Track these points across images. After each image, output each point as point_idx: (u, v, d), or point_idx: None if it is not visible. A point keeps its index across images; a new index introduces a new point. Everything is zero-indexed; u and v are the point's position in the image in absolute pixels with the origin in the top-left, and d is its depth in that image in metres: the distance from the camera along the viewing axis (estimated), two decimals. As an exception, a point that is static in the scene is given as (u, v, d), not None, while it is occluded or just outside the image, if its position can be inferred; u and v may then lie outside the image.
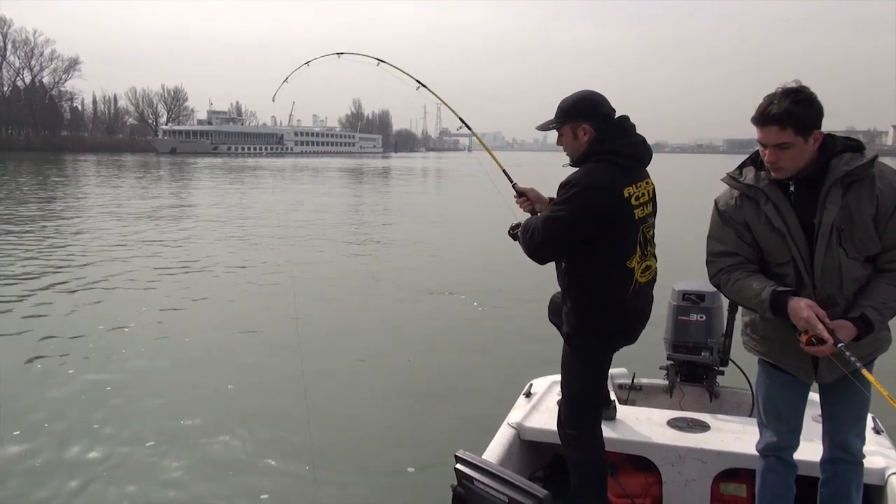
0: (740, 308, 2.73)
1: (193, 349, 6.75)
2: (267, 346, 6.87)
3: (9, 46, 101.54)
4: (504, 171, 3.30)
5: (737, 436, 3.12)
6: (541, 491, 2.10)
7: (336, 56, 4.00)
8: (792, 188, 2.33)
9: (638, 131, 2.79)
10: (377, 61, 3.83)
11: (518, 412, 3.49)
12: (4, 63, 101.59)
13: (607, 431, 3.08)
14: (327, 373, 6.20)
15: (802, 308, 2.20)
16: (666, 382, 3.80)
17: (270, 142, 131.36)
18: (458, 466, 2.32)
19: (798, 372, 2.48)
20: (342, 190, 33.81)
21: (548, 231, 2.65)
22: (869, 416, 2.86)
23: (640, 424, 3.26)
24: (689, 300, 3.65)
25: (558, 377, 3.79)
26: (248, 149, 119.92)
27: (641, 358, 3.70)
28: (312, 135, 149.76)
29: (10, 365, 6.16)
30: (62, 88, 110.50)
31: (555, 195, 2.74)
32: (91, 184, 33.66)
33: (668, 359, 3.78)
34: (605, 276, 2.69)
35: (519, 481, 2.16)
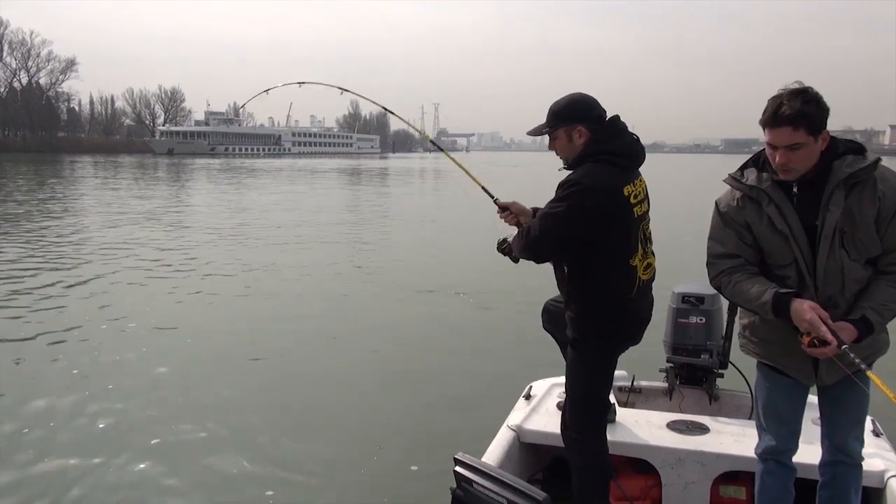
0: (739, 310, 2.73)
1: (194, 350, 6.73)
2: (267, 347, 6.87)
3: (5, 47, 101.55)
4: (483, 188, 3.30)
5: (736, 438, 3.11)
6: (540, 493, 2.10)
7: (297, 85, 3.99)
8: (795, 190, 2.33)
9: (637, 131, 2.79)
10: (340, 90, 3.85)
11: (517, 414, 3.49)
12: (1, 64, 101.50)
13: (607, 434, 3.07)
14: (327, 374, 6.20)
15: (805, 310, 2.20)
16: (665, 385, 3.80)
17: (268, 142, 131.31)
18: (458, 469, 2.32)
19: (798, 374, 2.48)
20: (340, 191, 33.77)
21: (545, 227, 2.65)
22: (868, 419, 2.87)
23: (639, 427, 3.26)
24: (689, 303, 3.65)
25: (558, 379, 3.81)
26: (246, 150, 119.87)
27: (641, 360, 3.69)
28: (310, 135, 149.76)
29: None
30: (59, 89, 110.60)
31: (548, 199, 2.73)
32: (88, 185, 33.59)
33: (667, 361, 3.78)
34: (609, 276, 2.69)
35: (518, 484, 2.16)
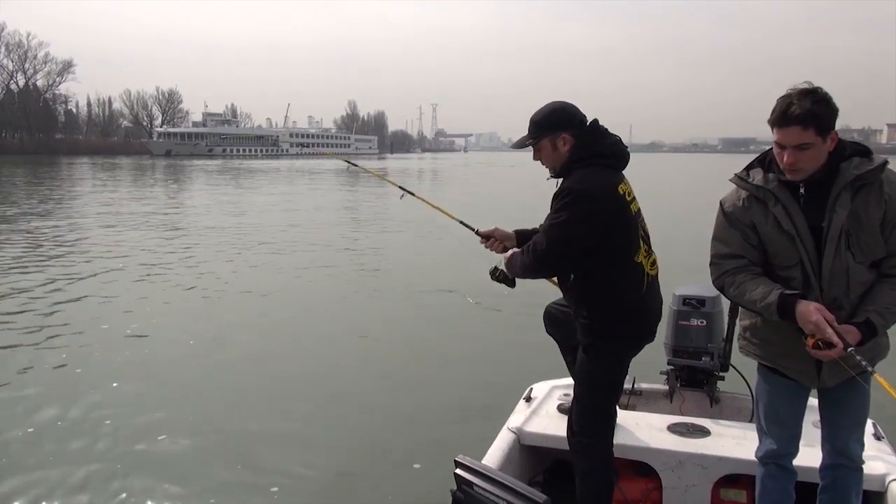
0: (740, 313, 2.72)
1: (194, 350, 6.72)
2: (266, 348, 6.86)
3: (2, 49, 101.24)
4: (461, 222, 3.35)
5: (737, 441, 3.11)
6: (540, 496, 2.09)
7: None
8: (802, 190, 2.33)
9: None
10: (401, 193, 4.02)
11: (518, 417, 3.48)
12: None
13: None
14: (326, 375, 6.20)
15: (812, 311, 2.20)
16: (666, 387, 3.79)
17: (266, 144, 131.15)
18: (458, 471, 2.32)
19: (800, 376, 2.47)
20: (340, 191, 33.76)
21: (551, 240, 2.64)
22: (869, 422, 2.86)
23: (640, 430, 3.26)
24: (690, 305, 3.65)
25: (558, 382, 3.81)
26: (244, 151, 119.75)
27: (641, 363, 3.66)
28: (308, 136, 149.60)
29: None
30: (56, 91, 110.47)
31: (547, 199, 2.73)
32: (85, 187, 33.55)
33: (668, 364, 3.77)
34: (618, 276, 2.69)
35: (518, 486, 2.16)
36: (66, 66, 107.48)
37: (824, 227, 2.29)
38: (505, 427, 3.41)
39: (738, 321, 2.73)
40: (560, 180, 2.73)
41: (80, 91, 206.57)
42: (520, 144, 2.84)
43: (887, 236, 2.28)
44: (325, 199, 27.62)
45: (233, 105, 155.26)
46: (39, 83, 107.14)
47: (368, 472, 4.34)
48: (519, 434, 3.34)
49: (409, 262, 12.43)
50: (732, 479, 3.06)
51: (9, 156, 79.42)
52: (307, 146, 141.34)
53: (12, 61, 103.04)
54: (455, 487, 2.33)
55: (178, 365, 6.37)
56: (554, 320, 3.14)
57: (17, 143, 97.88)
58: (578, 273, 2.74)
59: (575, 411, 2.88)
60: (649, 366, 3.89)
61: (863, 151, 2.32)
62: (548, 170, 2.80)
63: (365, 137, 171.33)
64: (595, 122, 2.77)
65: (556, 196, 2.65)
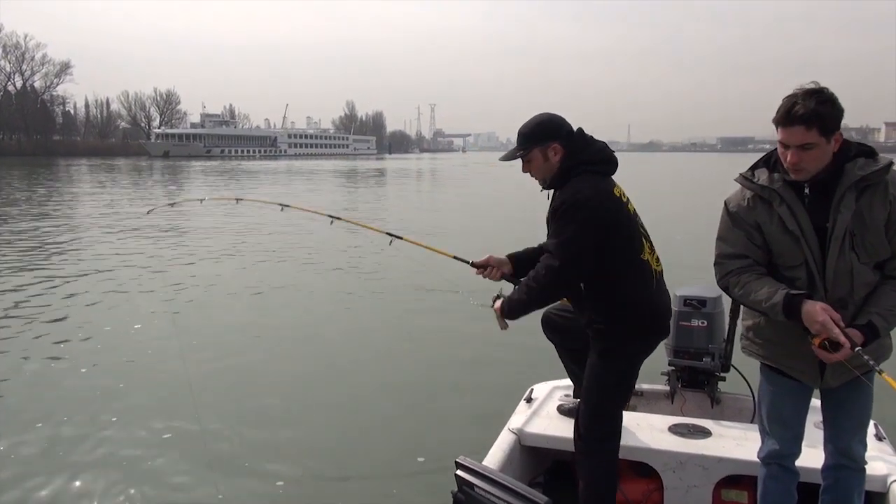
0: (742, 313, 2.72)
1: (193, 351, 6.70)
2: (267, 347, 6.85)
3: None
4: (454, 257, 3.40)
5: (738, 442, 3.10)
6: (541, 497, 2.09)
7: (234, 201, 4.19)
8: (807, 191, 2.33)
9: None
10: (281, 206, 3.98)
11: (519, 418, 3.48)
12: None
13: None
14: (326, 375, 6.19)
15: (818, 311, 2.19)
16: (667, 388, 3.79)
17: (264, 144, 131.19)
18: (459, 472, 2.31)
19: (803, 376, 2.47)
20: (340, 192, 33.76)
21: (562, 255, 2.63)
22: (871, 423, 2.85)
23: (641, 430, 3.25)
24: (691, 306, 3.64)
25: (559, 382, 3.81)
26: (242, 152, 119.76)
27: (643, 363, 3.69)
28: (306, 137, 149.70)
29: None
30: (54, 93, 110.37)
31: (545, 200, 2.77)
32: (83, 189, 33.52)
33: (669, 364, 3.77)
34: (628, 276, 2.70)
35: (519, 487, 2.15)
36: (64, 68, 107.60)
37: (829, 228, 2.29)
38: (506, 428, 3.41)
39: (740, 321, 2.72)
40: (552, 192, 2.77)
41: (79, 92, 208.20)
42: (510, 156, 2.86)
43: (892, 237, 2.28)
44: (325, 199, 27.59)
45: (231, 106, 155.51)
46: (37, 84, 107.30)
47: (369, 474, 4.33)
48: (520, 435, 3.34)
49: (409, 261, 12.41)
50: (734, 479, 3.05)
51: (6, 157, 79.32)
52: (305, 147, 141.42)
53: (9, 63, 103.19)
54: (456, 489, 2.33)
55: (179, 367, 6.35)
56: (553, 325, 3.14)
57: (14, 145, 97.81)
58: (588, 281, 2.74)
59: (583, 415, 2.86)
60: (650, 366, 3.86)
61: (868, 152, 2.31)
62: (538, 182, 2.83)
63: (363, 138, 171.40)
64: (580, 130, 2.80)
65: (554, 211, 2.67)
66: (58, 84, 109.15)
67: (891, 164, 2.28)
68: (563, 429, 3.28)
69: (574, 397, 3.52)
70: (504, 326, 2.98)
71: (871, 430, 2.95)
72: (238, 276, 10.92)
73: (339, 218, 3.85)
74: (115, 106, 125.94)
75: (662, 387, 3.82)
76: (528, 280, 2.78)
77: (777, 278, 2.38)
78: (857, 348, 2.16)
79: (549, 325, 3.17)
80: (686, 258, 7.81)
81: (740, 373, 3.61)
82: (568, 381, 3.52)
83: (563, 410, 3.50)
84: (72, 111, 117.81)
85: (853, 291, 2.31)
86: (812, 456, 2.66)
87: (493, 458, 3.14)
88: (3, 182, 36.79)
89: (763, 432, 2.64)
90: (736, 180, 2.51)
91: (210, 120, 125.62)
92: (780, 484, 2.60)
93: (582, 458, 2.88)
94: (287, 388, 5.83)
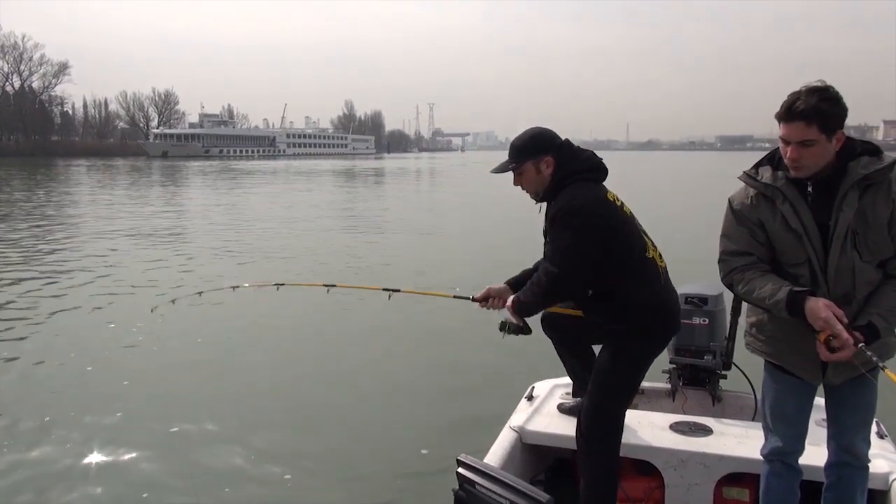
0: (744, 310, 2.72)
1: (194, 352, 6.70)
2: (267, 347, 6.84)
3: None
4: (454, 296, 3.50)
5: (740, 440, 3.10)
6: (542, 495, 2.08)
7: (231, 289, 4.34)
8: (810, 189, 2.32)
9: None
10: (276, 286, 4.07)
11: (520, 416, 3.48)
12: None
13: None
14: (327, 374, 6.18)
15: (821, 308, 2.19)
16: (668, 386, 3.78)
17: (262, 144, 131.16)
18: (460, 470, 2.31)
19: (804, 373, 2.46)
20: (340, 192, 33.77)
21: (561, 262, 2.67)
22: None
23: (642, 428, 3.25)
24: (692, 304, 3.63)
25: (560, 380, 3.80)
26: (240, 151, 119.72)
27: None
28: (305, 136, 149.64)
29: None
30: (52, 93, 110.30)
31: (546, 227, 2.80)
32: (81, 190, 33.49)
33: (670, 362, 3.76)
34: (636, 275, 2.72)
35: (520, 485, 2.15)
36: (62, 68, 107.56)
37: (831, 226, 2.28)
38: (507, 426, 3.40)
39: (744, 318, 2.72)
40: (545, 205, 2.81)
41: (77, 93, 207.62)
42: (502, 169, 2.89)
43: (895, 235, 2.27)
44: (324, 200, 27.59)
45: (229, 106, 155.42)
46: (35, 85, 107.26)
47: (370, 472, 4.32)
48: (521, 433, 3.34)
49: (408, 259, 12.41)
50: (735, 477, 3.05)
51: (4, 157, 79.22)
52: (304, 146, 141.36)
53: (7, 63, 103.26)
54: (457, 486, 2.32)
55: (181, 368, 6.35)
56: (553, 323, 3.14)
57: (12, 145, 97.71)
58: (596, 286, 2.75)
59: (587, 413, 2.86)
60: (652, 364, 3.89)
61: (872, 150, 2.31)
62: (529, 195, 2.87)
63: (362, 137, 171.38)
64: (568, 141, 2.86)
65: (551, 221, 2.70)
66: (56, 84, 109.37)
67: (894, 162, 2.27)
68: (564, 427, 3.28)
69: (573, 395, 3.53)
70: (524, 326, 3.04)
71: (872, 427, 2.95)
72: (238, 277, 10.90)
73: (334, 285, 4.03)
74: (113, 106, 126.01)
75: (664, 385, 3.82)
76: (531, 286, 2.83)
77: (781, 275, 2.38)
78: (860, 344, 2.15)
79: (548, 324, 3.17)
80: (686, 257, 7.82)
81: (742, 371, 3.61)
82: (569, 379, 3.52)
83: (563, 408, 3.49)
84: (70, 111, 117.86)
85: (855, 290, 2.30)
86: (815, 453, 2.66)
87: (495, 456, 3.14)
88: (2, 181, 36.74)
89: (766, 429, 2.64)
90: (739, 178, 2.51)
91: (208, 120, 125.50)
92: (782, 481, 2.59)
93: (583, 455, 2.88)
94: (287, 389, 5.83)
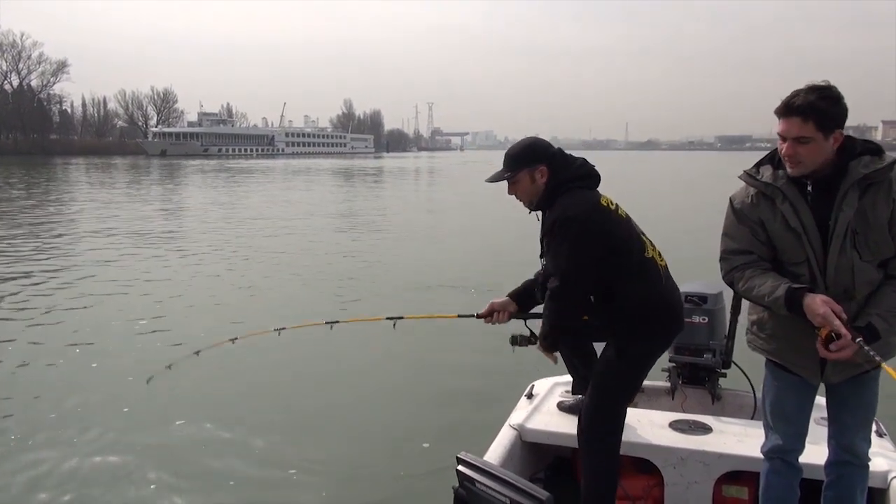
0: (745, 308, 2.73)
1: (194, 348, 6.69)
2: (267, 346, 6.83)
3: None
4: (459, 315, 3.59)
5: (739, 438, 3.10)
6: (542, 493, 2.09)
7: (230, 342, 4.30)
8: (810, 188, 2.33)
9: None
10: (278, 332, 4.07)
11: (519, 413, 3.48)
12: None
13: None
14: (327, 373, 6.18)
15: (819, 304, 2.20)
16: (668, 384, 3.78)
17: (261, 143, 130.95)
18: (460, 468, 2.31)
19: (803, 371, 2.47)
20: (340, 191, 33.75)
21: (562, 272, 2.69)
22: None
23: (641, 426, 3.25)
24: (692, 302, 3.63)
25: (560, 378, 3.81)
26: (239, 150, 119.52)
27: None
28: (304, 136, 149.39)
29: None
30: (51, 91, 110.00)
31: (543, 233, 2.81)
32: (80, 189, 33.44)
33: (669, 361, 3.76)
34: (638, 276, 2.73)
35: (520, 483, 2.15)
36: (61, 67, 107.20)
37: (831, 225, 2.29)
38: (506, 424, 3.41)
39: (746, 316, 2.72)
40: (540, 213, 2.84)
41: (76, 91, 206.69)
42: (497, 178, 2.90)
43: (895, 235, 2.27)
44: (323, 199, 27.58)
45: (228, 105, 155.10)
46: (34, 83, 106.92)
47: (371, 470, 4.33)
48: (521, 431, 3.34)
49: (408, 257, 12.41)
50: (734, 475, 3.05)
51: (3, 156, 79.07)
52: (303, 145, 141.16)
53: (6, 61, 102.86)
54: (457, 484, 2.33)
55: (181, 368, 6.34)
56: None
57: (11, 144, 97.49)
58: (599, 290, 2.76)
59: (589, 411, 2.87)
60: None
61: (874, 150, 2.31)
62: (524, 204, 2.89)
63: (361, 136, 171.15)
64: (560, 150, 2.89)
65: (549, 230, 2.72)
66: (54, 83, 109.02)
67: (895, 161, 2.27)
68: (564, 425, 3.29)
69: (573, 392, 3.53)
70: (554, 360, 3.09)
71: (872, 426, 2.96)
72: (238, 277, 10.91)
73: (336, 321, 4.05)
74: (112, 105, 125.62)
75: (663, 383, 3.82)
76: (544, 312, 2.86)
77: (781, 274, 2.39)
78: (858, 339, 2.15)
79: None
80: (686, 256, 7.81)
81: (741, 369, 3.62)
82: (569, 377, 3.52)
83: (563, 406, 3.50)
84: (69, 110, 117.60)
85: (855, 289, 2.30)
86: (815, 452, 2.66)
87: (494, 454, 3.14)
88: (1, 179, 36.70)
89: (766, 427, 2.64)
90: (740, 177, 2.52)
91: (207, 119, 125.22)
92: (782, 479, 2.59)
93: (584, 454, 2.88)
94: (287, 389, 5.84)
